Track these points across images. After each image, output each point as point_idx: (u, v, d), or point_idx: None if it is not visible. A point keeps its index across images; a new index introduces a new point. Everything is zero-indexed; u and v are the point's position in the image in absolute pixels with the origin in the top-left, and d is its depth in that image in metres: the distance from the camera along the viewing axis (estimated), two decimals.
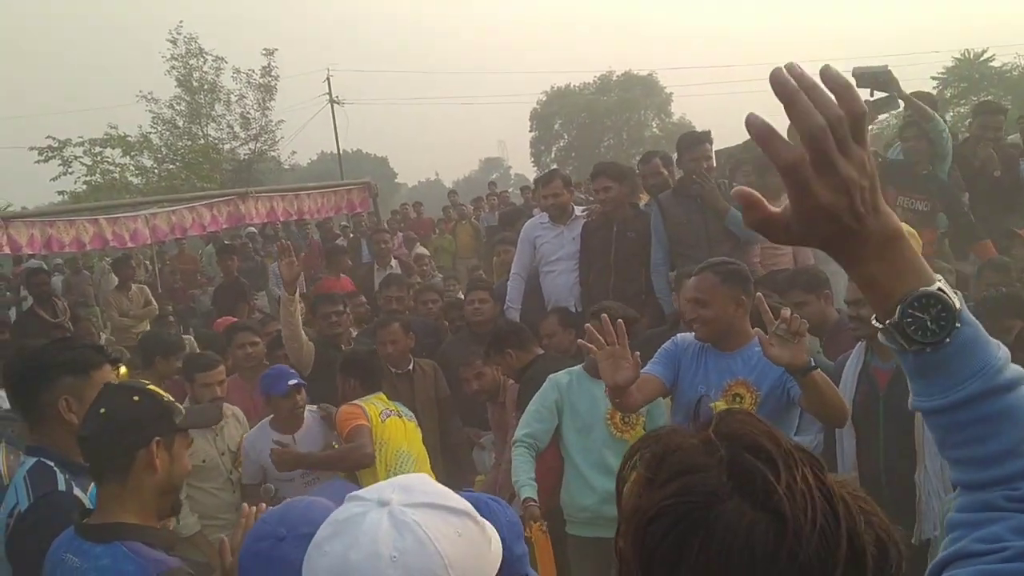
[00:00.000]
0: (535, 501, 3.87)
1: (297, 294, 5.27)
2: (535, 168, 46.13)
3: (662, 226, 5.65)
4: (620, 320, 3.13)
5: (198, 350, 5.93)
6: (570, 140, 48.36)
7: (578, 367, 4.33)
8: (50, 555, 2.17)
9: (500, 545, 1.28)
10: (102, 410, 2.18)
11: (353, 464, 4.34)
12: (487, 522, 1.26)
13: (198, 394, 4.63)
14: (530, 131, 49.03)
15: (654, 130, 46.93)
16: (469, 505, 1.24)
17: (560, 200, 6.28)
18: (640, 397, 3.29)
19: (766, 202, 0.96)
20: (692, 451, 0.87)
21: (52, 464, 2.43)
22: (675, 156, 6.04)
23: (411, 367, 5.37)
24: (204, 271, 15.02)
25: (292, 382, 4.52)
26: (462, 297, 6.89)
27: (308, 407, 4.69)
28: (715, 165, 6.05)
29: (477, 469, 5.38)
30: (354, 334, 6.17)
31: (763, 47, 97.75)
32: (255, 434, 4.60)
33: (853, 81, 6.20)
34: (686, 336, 3.59)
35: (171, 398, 2.30)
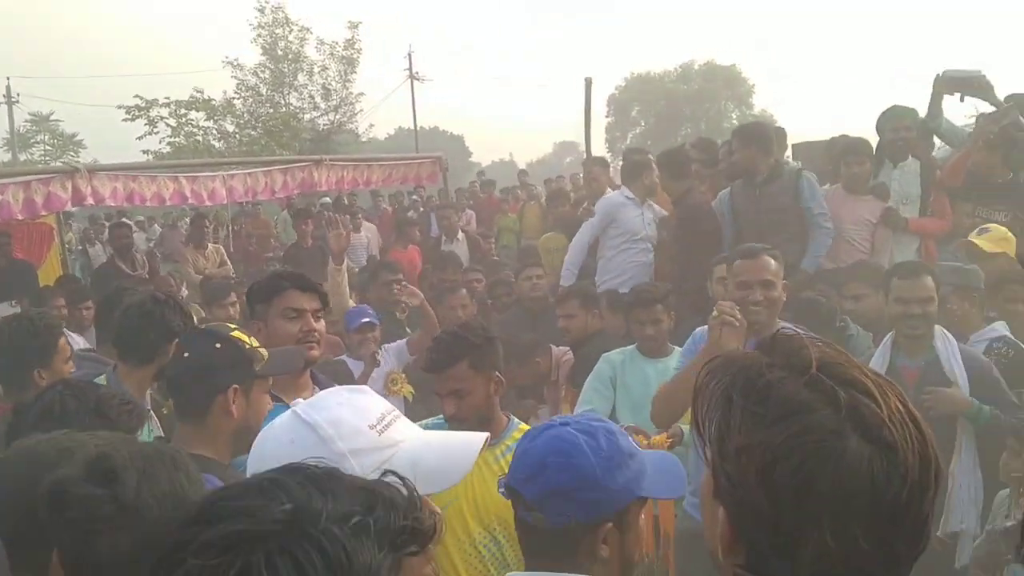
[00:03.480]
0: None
1: (344, 264, 5.30)
2: (609, 154, 45.73)
3: (730, 216, 5.59)
4: None
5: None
6: (647, 127, 47.79)
7: (631, 347, 4.37)
8: None
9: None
10: (185, 354, 2.23)
11: None
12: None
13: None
14: (606, 116, 48.49)
15: (733, 121, 46.07)
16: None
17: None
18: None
19: None
20: (796, 387, 0.92)
21: None
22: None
23: None
24: (278, 236, 15.34)
25: (364, 320, 4.89)
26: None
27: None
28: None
29: None
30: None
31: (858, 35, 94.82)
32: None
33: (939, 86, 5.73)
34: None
35: (254, 344, 2.30)
